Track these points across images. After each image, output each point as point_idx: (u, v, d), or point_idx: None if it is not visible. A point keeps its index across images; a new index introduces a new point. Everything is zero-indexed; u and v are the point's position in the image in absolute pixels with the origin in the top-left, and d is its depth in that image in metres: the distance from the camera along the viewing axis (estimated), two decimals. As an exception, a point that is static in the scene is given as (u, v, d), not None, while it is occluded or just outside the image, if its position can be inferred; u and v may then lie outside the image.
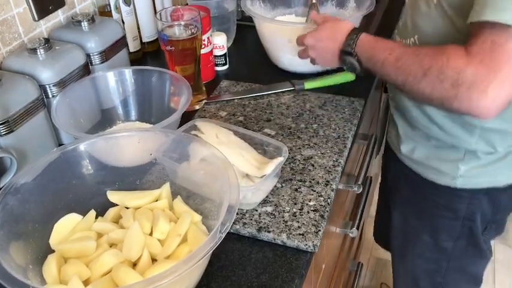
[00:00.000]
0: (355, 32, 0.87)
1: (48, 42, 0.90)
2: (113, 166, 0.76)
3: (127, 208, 0.72)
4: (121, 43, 1.06)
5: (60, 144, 0.94)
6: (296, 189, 0.81)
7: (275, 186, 0.82)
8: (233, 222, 0.61)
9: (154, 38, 1.25)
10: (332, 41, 0.90)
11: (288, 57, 1.12)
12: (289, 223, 0.75)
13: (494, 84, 0.66)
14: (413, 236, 1.09)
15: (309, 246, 0.72)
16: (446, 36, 0.81)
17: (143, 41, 1.24)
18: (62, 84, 0.90)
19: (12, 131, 0.81)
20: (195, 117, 1.00)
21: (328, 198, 0.80)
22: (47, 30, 1.03)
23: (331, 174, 0.84)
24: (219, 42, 1.15)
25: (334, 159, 0.88)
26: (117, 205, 0.73)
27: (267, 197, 0.80)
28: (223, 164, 0.66)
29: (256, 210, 0.78)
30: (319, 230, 0.74)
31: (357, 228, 1.11)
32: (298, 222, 0.75)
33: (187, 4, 1.28)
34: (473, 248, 1.04)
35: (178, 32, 0.98)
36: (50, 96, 0.90)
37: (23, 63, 0.89)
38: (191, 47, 0.98)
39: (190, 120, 0.88)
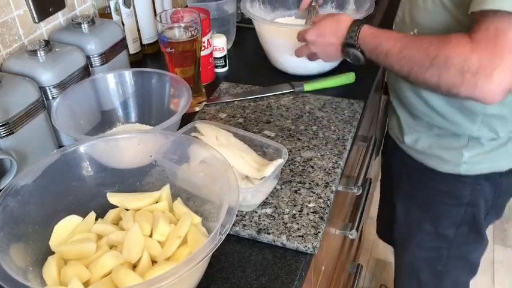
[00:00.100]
0: (356, 24, 0.88)
1: (48, 44, 0.90)
2: (113, 168, 0.76)
3: (127, 210, 0.72)
4: (121, 45, 1.06)
5: (60, 146, 0.94)
6: (296, 191, 0.81)
7: (275, 188, 0.82)
8: (233, 224, 0.61)
9: (154, 40, 1.25)
10: (334, 35, 0.91)
11: (287, 59, 1.12)
12: (288, 225, 0.75)
13: (500, 69, 0.69)
14: (415, 226, 1.10)
15: (309, 248, 0.72)
16: (445, 28, 0.83)
17: (143, 43, 1.24)
18: (62, 86, 0.90)
19: (12, 133, 0.81)
20: (195, 119, 1.00)
21: (328, 200, 0.80)
22: (47, 32, 1.03)
23: (331, 176, 0.84)
24: (218, 44, 1.15)
25: (333, 161, 0.88)
26: (117, 207, 0.73)
27: (266, 198, 0.80)
28: (223, 165, 0.66)
29: (256, 212, 0.78)
30: (319, 232, 0.74)
31: (357, 230, 1.11)
32: (297, 224, 0.75)
33: (187, 6, 1.28)
34: (475, 234, 1.06)
35: (178, 34, 0.98)
36: (50, 98, 0.90)
37: (23, 65, 0.89)
38: (191, 49, 0.98)
39: (190, 122, 0.88)
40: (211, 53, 1.14)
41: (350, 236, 1.13)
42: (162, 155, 0.75)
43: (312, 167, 0.86)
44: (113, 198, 0.73)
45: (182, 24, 0.99)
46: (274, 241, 0.73)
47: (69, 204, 0.71)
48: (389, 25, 1.02)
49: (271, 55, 1.17)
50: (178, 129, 0.86)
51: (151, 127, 0.93)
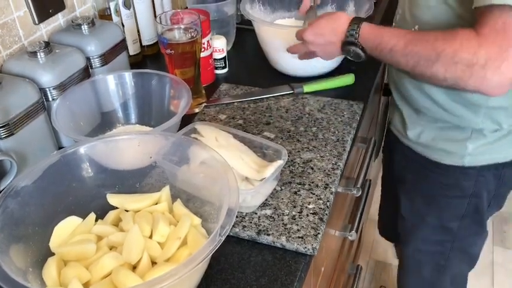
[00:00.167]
0: (355, 22, 0.88)
1: (48, 46, 0.91)
2: (113, 169, 0.76)
3: (127, 211, 0.72)
4: (121, 46, 1.06)
5: (60, 147, 0.94)
6: (295, 192, 0.82)
7: (274, 189, 0.82)
8: (232, 225, 0.61)
9: (154, 41, 1.25)
10: (333, 34, 0.91)
11: (287, 61, 1.12)
12: (288, 226, 0.75)
13: (508, 62, 0.71)
14: (420, 220, 1.11)
15: (308, 249, 0.72)
16: (447, 24, 0.84)
17: (143, 44, 1.24)
18: (62, 87, 0.91)
19: (12, 134, 0.81)
20: (195, 120, 1.01)
21: (328, 201, 0.80)
22: (47, 34, 1.03)
23: (331, 177, 0.84)
24: (218, 45, 1.15)
25: (333, 162, 0.88)
26: (117, 208, 0.73)
27: (266, 200, 0.80)
28: (222, 167, 0.66)
29: (256, 213, 0.78)
30: (319, 233, 0.74)
31: (356, 231, 1.11)
32: (297, 225, 0.75)
33: (187, 8, 1.28)
34: (477, 226, 1.08)
35: (178, 35, 0.98)
36: (50, 99, 0.90)
37: (23, 67, 0.89)
38: (191, 50, 0.98)
39: (190, 123, 0.88)
40: (211, 55, 1.14)
41: (350, 237, 1.13)
42: (162, 156, 0.75)
43: (312, 168, 0.86)
44: (112, 199, 0.73)
45: (182, 26, 0.99)
46: (273, 242, 0.74)
47: (69, 205, 0.71)
48: (389, 25, 1.02)
49: (270, 56, 1.17)
50: (178, 131, 0.86)
51: (151, 128, 0.93)
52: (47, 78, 0.89)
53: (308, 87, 1.08)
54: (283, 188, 0.83)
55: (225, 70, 1.20)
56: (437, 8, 0.85)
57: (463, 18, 0.81)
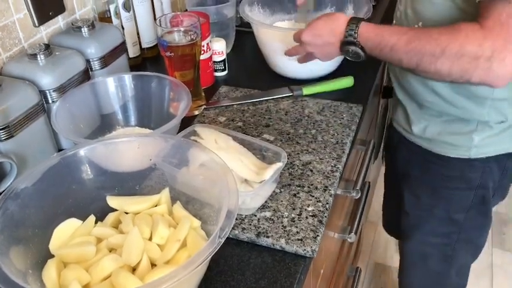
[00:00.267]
0: (353, 22, 0.88)
1: (48, 48, 0.91)
2: (113, 171, 0.76)
3: (126, 213, 0.73)
4: (121, 49, 1.06)
5: (60, 150, 0.94)
6: (295, 195, 0.82)
7: (274, 191, 0.82)
8: (232, 228, 0.62)
9: (154, 43, 1.26)
10: (332, 34, 0.91)
11: (286, 63, 1.13)
12: (287, 228, 0.75)
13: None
14: (426, 213, 1.11)
15: (308, 252, 0.72)
16: (451, 19, 0.84)
17: (143, 46, 1.25)
18: (61, 89, 0.91)
19: (12, 136, 0.81)
20: (194, 122, 1.01)
21: (327, 203, 0.80)
22: (47, 36, 1.03)
23: (330, 180, 0.85)
24: (218, 48, 1.16)
25: (332, 164, 0.88)
26: (116, 210, 0.73)
27: (265, 202, 0.80)
28: (222, 169, 0.67)
29: (255, 216, 0.78)
30: (318, 235, 0.74)
31: (355, 233, 1.11)
32: (296, 227, 0.75)
33: (186, 10, 1.29)
34: (482, 217, 1.09)
35: (177, 38, 0.99)
36: (50, 101, 0.90)
37: (23, 69, 0.89)
38: (190, 52, 0.98)
39: (190, 125, 0.88)
40: (210, 57, 1.14)
41: (349, 240, 1.13)
42: (161, 158, 0.75)
43: (311, 171, 0.87)
44: (112, 201, 0.73)
45: (182, 28, 0.99)
46: (273, 244, 0.74)
47: (69, 207, 0.71)
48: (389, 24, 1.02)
49: (270, 59, 1.18)
50: (177, 133, 0.87)
51: (151, 131, 0.93)
52: (47, 81, 0.89)
53: (307, 90, 1.08)
54: (282, 190, 0.83)
55: (225, 72, 1.20)
56: (440, 3, 0.85)
57: (466, 13, 0.82)
